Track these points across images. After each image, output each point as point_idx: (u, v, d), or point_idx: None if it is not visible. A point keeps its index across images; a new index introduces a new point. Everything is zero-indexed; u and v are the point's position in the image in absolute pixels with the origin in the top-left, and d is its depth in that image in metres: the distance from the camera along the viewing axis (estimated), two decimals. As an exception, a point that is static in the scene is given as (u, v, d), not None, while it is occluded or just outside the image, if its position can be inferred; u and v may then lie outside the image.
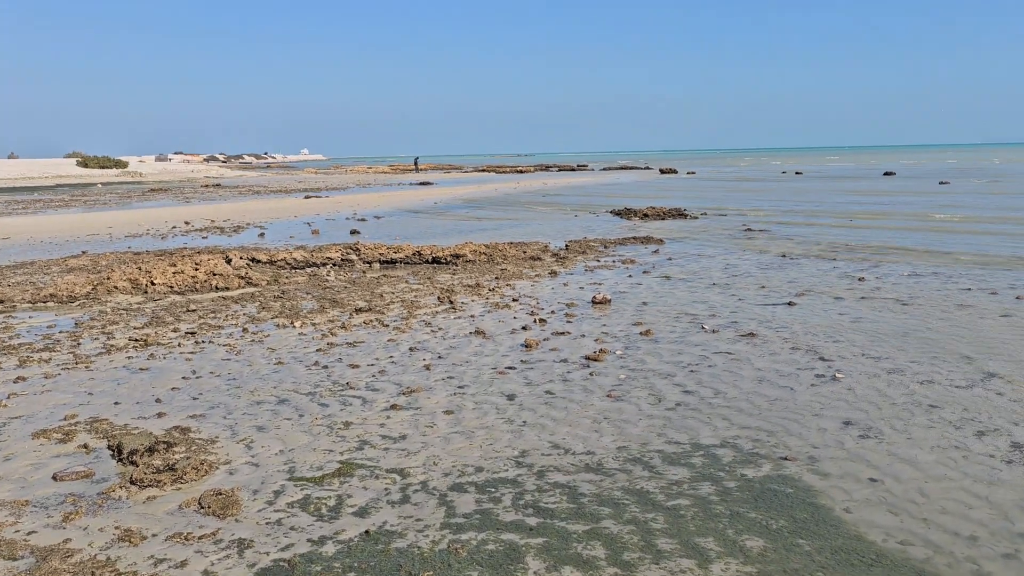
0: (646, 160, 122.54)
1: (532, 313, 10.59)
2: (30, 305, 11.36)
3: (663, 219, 24.58)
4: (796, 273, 13.65)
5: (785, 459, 5.53)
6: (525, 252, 16.29)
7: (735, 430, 6.15)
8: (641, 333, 9.35)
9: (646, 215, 25.23)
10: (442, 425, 6.32)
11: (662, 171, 66.65)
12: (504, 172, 79.40)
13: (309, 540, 4.44)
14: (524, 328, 9.71)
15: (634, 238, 19.06)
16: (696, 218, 24.68)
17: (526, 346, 8.81)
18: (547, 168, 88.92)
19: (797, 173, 62.74)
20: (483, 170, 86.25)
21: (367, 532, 4.52)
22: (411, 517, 4.72)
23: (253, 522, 4.67)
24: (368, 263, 15.24)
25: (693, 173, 66.57)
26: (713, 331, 9.46)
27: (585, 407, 6.73)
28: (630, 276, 13.61)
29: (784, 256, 15.79)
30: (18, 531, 4.57)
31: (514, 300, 11.51)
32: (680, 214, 25.41)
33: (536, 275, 13.85)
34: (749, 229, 21.04)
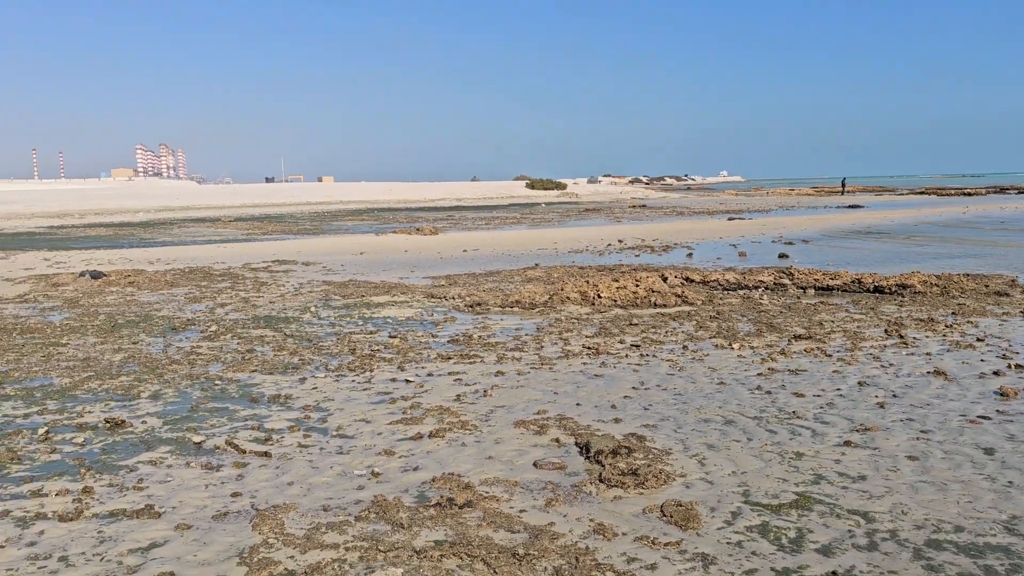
0: None
1: (1004, 357, 9.25)
2: (500, 309, 13.10)
3: None
4: None
5: None
6: (987, 286, 14.31)
7: None
8: None
9: None
10: (906, 471, 5.82)
11: None
12: (948, 195, 70.87)
13: (772, 569, 4.41)
14: (996, 373, 8.52)
15: None
16: None
17: (1002, 394, 7.72)
18: (1003, 190, 77.21)
19: None
20: (921, 192, 77.94)
21: (834, 573, 4.34)
22: (881, 567, 4.41)
23: (714, 539, 4.78)
24: (802, 288, 14.71)
25: None
26: None
27: (1091, 476, 5.66)
28: None
29: None
30: (512, 508, 5.28)
31: (979, 340, 10.16)
32: None
33: (1004, 313, 12.07)
34: None
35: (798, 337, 10.49)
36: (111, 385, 8.48)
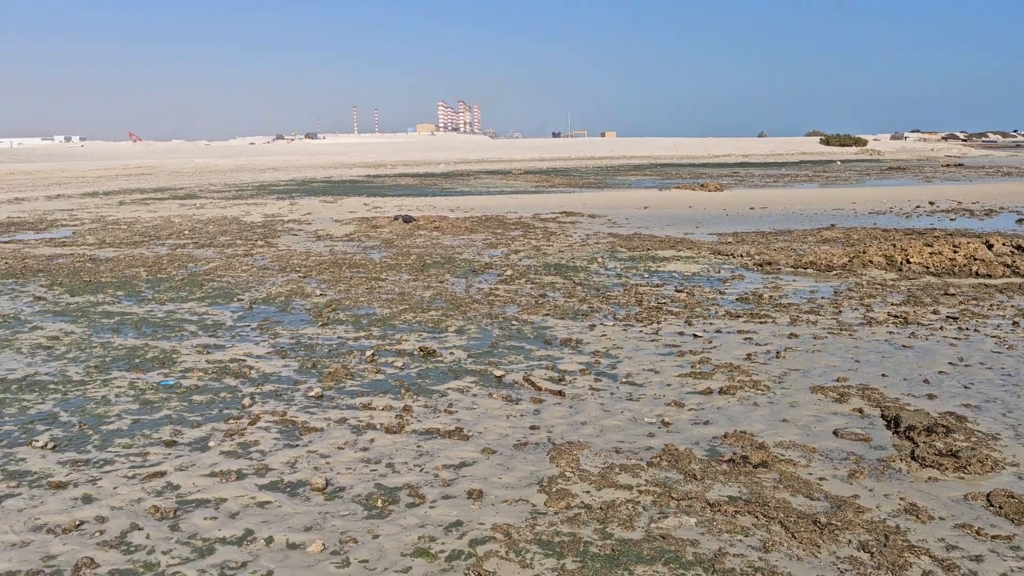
0: None
1: None
2: (792, 270, 12.45)
3: None
4: None
5: None
6: None
7: None
8: None
9: None
10: None
11: None
12: None
13: None
14: None
15: None
16: None
17: None
18: None
19: None
20: None
21: None
22: None
23: (1054, 539, 4.21)
24: None
25: None
26: None
27: None
28: None
29: None
30: (811, 474, 5.05)
31: None
32: None
33: None
34: None
35: None
36: (423, 318, 9.35)
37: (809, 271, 12.32)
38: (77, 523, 4.47)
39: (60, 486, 4.96)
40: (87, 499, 4.79)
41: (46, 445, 5.59)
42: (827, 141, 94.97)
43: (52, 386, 6.98)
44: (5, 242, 17.14)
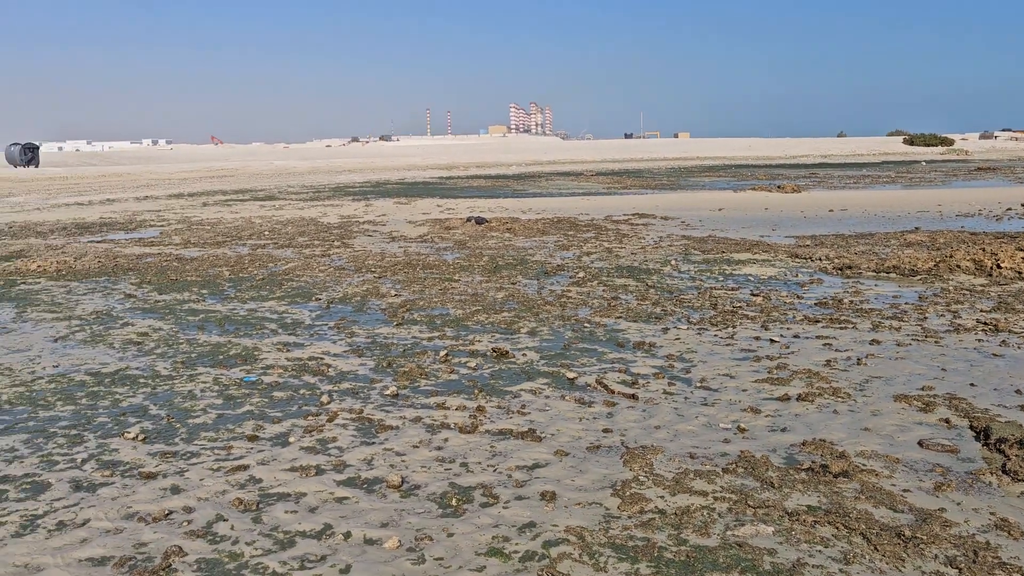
0: None
1: None
2: (874, 274, 12.07)
3: None
4: None
5: None
6: None
7: None
8: None
9: None
10: None
11: None
12: None
13: None
14: None
15: None
16: None
17: None
18: None
19: None
20: None
21: None
22: None
23: None
24: None
25: None
26: None
27: None
28: None
29: None
30: (894, 485, 4.89)
31: None
32: None
33: None
34: None
35: None
36: (495, 319, 9.42)
37: (892, 275, 11.92)
38: (166, 512, 4.66)
39: (150, 476, 5.19)
40: (175, 489, 4.99)
41: (137, 436, 5.85)
42: (911, 141, 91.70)
43: (142, 380, 7.30)
44: (98, 241, 17.98)
